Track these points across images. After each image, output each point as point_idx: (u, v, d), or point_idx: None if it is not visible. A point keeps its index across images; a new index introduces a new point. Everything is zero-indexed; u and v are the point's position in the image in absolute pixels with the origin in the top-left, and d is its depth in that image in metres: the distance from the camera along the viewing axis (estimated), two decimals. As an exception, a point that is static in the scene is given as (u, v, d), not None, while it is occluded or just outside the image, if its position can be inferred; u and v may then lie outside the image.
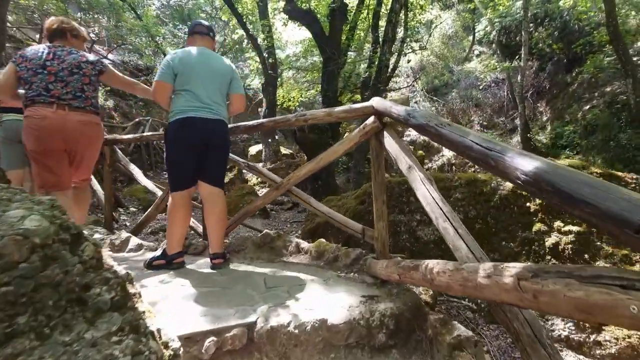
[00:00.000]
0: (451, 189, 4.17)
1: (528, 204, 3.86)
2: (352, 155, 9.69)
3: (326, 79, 7.43)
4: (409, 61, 11.18)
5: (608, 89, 12.40)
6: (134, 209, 7.20)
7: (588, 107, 12.65)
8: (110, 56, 13.12)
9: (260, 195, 7.19)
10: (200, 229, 3.42)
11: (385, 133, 2.03)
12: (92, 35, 11.20)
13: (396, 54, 9.16)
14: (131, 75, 14.52)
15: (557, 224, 3.66)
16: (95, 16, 9.94)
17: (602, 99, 12.30)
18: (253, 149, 12.42)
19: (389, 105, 1.89)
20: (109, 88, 10.84)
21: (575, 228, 3.52)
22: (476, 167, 12.67)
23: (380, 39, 7.36)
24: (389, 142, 1.97)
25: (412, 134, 17.02)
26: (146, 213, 3.80)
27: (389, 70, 8.08)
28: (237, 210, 6.94)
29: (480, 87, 14.51)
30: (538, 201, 3.78)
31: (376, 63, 6.93)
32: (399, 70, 13.82)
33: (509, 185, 3.91)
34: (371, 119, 2.11)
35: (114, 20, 9.25)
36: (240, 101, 2.67)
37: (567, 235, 3.57)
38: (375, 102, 2.09)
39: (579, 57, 13.71)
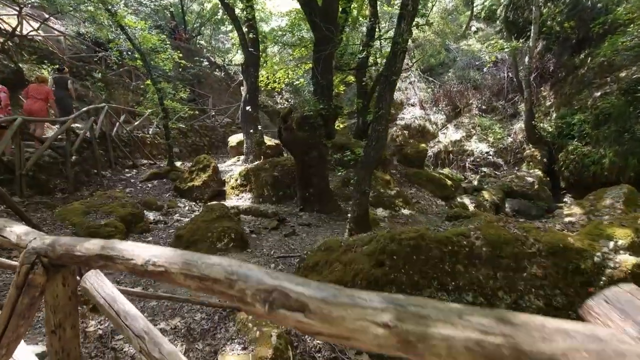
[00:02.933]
0: (524, 259, 2.53)
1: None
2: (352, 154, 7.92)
3: (321, 65, 5.45)
4: (413, 40, 9.17)
5: (623, 74, 10.73)
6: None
7: (599, 93, 11.00)
8: (58, 26, 10.58)
9: (235, 217, 5.41)
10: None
11: None
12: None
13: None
14: (89, 51, 11.89)
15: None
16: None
17: (617, 85, 10.64)
18: (234, 139, 10.40)
19: None
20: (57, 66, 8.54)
21: None
22: (507, 174, 10.84)
23: (380, 17, 5.40)
24: None
25: (406, 116, 15.14)
26: None
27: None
28: (205, 241, 4.88)
29: (484, 69, 12.65)
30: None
31: (390, 47, 5.00)
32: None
33: (625, 260, 2.31)
34: None
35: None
36: None
37: None
38: None
39: (590, 37, 11.90)
